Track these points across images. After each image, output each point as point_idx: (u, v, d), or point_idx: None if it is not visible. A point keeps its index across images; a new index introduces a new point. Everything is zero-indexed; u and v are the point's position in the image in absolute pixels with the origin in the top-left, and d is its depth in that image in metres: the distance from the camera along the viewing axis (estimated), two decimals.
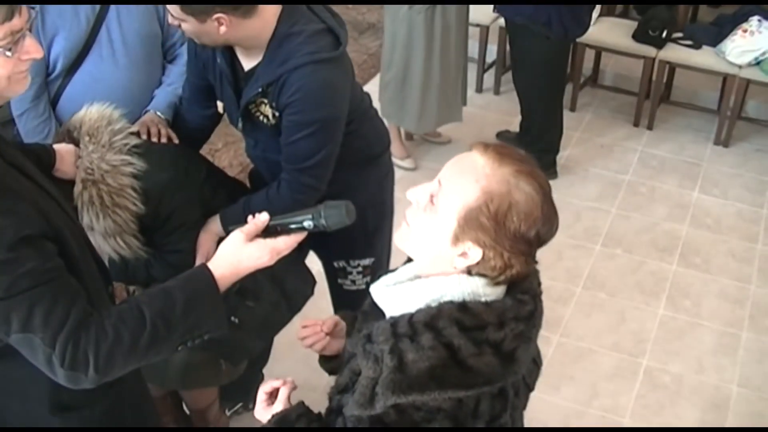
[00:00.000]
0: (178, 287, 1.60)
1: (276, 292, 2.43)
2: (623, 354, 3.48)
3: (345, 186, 2.39)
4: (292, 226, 1.64)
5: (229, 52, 2.25)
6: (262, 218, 1.65)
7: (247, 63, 2.23)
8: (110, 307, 1.61)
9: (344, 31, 2.23)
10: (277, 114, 2.20)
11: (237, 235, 1.64)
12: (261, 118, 2.25)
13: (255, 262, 1.65)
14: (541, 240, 1.39)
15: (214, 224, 2.31)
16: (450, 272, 1.41)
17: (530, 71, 4.27)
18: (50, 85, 2.58)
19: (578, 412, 3.21)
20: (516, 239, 1.36)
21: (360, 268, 2.59)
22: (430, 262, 1.44)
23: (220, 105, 2.38)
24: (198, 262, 2.28)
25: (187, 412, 2.94)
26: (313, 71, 2.11)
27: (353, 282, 2.61)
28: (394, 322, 1.41)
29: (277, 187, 2.28)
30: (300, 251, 2.50)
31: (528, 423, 1.62)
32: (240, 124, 2.31)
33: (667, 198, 4.44)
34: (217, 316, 1.63)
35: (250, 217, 1.66)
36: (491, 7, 5.06)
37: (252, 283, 2.33)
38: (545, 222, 1.37)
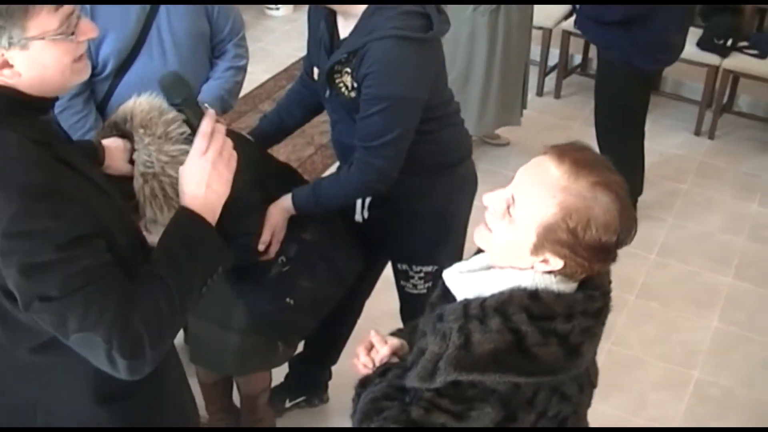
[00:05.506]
0: (173, 237, 1.65)
1: (328, 269, 2.45)
2: (673, 365, 3.48)
3: (412, 190, 2.42)
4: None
5: (332, 19, 2.30)
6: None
7: (344, 32, 2.27)
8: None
9: (443, 24, 2.23)
10: (356, 85, 2.21)
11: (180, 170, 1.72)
12: (342, 88, 2.27)
13: (200, 173, 1.69)
14: (622, 244, 1.43)
15: (286, 200, 2.34)
16: (526, 267, 1.45)
17: (599, 100, 3.97)
18: (99, 85, 2.57)
19: (625, 421, 3.23)
20: (595, 250, 1.40)
21: (422, 274, 2.60)
22: (508, 260, 1.48)
23: (315, 71, 2.40)
24: (266, 235, 2.31)
25: (236, 402, 2.98)
26: (395, 45, 2.13)
27: (414, 286, 2.63)
28: (467, 303, 1.46)
29: (348, 168, 2.32)
30: (353, 235, 2.54)
31: None
32: (326, 93, 2.34)
33: (724, 209, 4.41)
34: (219, 246, 1.67)
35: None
36: (555, 8, 5.06)
37: (305, 263, 2.38)
38: (624, 229, 1.40)
